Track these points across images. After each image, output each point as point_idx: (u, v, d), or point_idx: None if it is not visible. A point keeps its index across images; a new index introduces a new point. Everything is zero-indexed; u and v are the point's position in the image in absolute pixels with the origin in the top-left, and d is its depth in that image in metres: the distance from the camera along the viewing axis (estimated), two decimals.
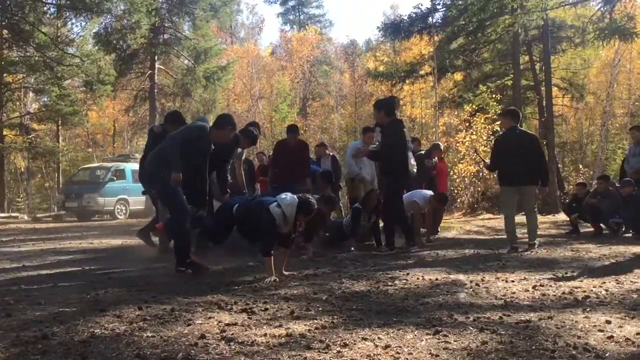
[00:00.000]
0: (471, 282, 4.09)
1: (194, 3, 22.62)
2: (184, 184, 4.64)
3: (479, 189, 14.74)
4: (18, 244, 7.90)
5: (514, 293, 3.67)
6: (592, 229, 8.29)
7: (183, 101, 23.87)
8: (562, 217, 10.64)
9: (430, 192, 7.39)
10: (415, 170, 7.83)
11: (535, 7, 12.02)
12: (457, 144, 15.44)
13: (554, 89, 17.42)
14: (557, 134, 20.14)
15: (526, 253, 5.89)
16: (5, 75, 19.80)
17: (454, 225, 10.20)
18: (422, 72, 18.27)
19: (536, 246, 6.27)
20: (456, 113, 18.10)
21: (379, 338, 2.56)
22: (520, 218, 6.84)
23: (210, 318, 2.98)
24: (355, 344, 2.47)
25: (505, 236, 6.55)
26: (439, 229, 8.72)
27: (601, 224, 8.15)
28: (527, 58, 16.77)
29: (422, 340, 2.53)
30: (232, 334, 2.63)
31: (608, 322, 2.83)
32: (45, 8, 19.21)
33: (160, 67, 23.75)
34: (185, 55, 23.84)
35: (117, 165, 17.86)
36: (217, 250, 5.48)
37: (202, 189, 5.14)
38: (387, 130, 6.23)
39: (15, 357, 2.33)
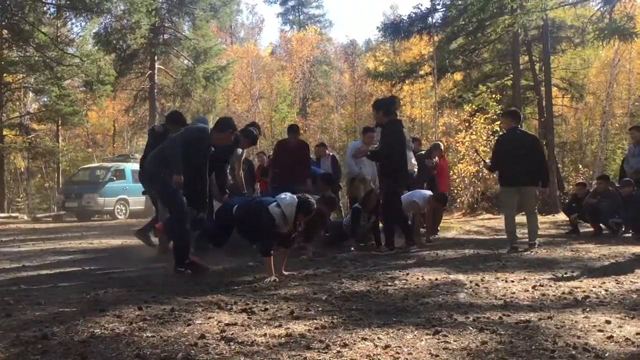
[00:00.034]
0: (471, 282, 4.09)
1: (194, 3, 22.62)
2: (184, 185, 4.65)
3: (479, 189, 14.74)
4: (18, 244, 7.90)
5: (513, 293, 3.67)
6: (591, 229, 8.29)
7: (183, 101, 23.87)
8: (561, 217, 10.64)
9: (429, 192, 7.39)
10: (416, 170, 7.83)
11: (534, 7, 12.03)
12: (457, 144, 15.45)
13: (554, 89, 17.42)
14: (557, 134, 20.14)
15: (526, 253, 5.89)
16: (5, 75, 19.79)
17: (453, 225, 10.20)
18: (421, 72, 18.27)
19: (536, 246, 6.27)
20: (456, 113, 18.11)
21: (378, 338, 2.56)
22: (520, 218, 6.84)
23: (210, 318, 2.98)
24: (355, 344, 2.47)
25: (505, 236, 6.55)
26: (438, 228, 8.72)
27: (601, 224, 8.15)
28: (526, 58, 16.78)
29: (422, 340, 2.54)
30: (232, 334, 2.63)
31: (608, 322, 2.83)
32: (45, 8, 19.21)
33: (160, 67, 23.75)
34: (185, 55, 23.84)
35: (117, 165, 17.85)
36: (216, 251, 5.48)
37: (202, 191, 5.15)
38: (387, 131, 6.23)
39: (15, 357, 2.33)
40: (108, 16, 20.47)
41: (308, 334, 2.65)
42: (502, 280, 4.19)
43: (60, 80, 19.41)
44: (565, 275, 4.39)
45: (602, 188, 8.25)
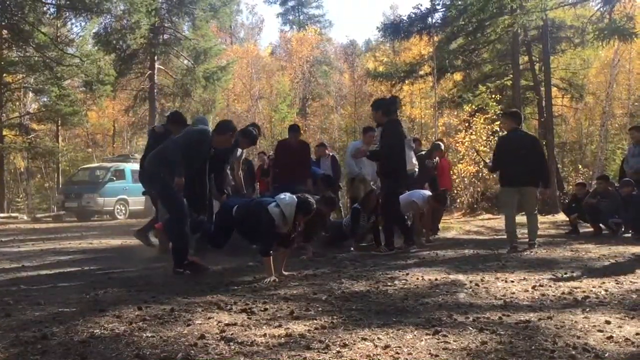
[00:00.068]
0: (471, 282, 4.09)
1: (194, 3, 22.61)
2: (184, 187, 4.66)
3: (479, 189, 14.74)
4: (18, 244, 7.90)
5: (513, 293, 3.67)
6: (591, 229, 8.29)
7: (183, 101, 23.85)
8: (561, 217, 10.64)
9: (428, 192, 7.40)
10: (417, 169, 7.84)
11: (534, 8, 12.03)
12: (457, 144, 15.44)
13: (554, 89, 17.42)
14: (557, 134, 20.14)
15: (526, 253, 5.89)
16: (5, 75, 19.78)
17: (453, 226, 10.19)
18: (421, 73, 18.27)
19: (536, 246, 6.28)
20: (456, 113, 18.10)
21: (378, 338, 2.56)
22: (520, 218, 6.84)
23: (209, 318, 2.98)
24: (354, 344, 2.47)
25: (504, 236, 6.55)
26: (439, 227, 8.72)
27: (601, 224, 8.15)
28: (526, 58, 16.78)
29: (422, 340, 2.54)
30: (231, 334, 2.63)
31: (607, 322, 2.84)
32: (45, 8, 19.19)
33: (160, 67, 23.74)
34: (185, 56, 23.83)
35: (117, 165, 17.85)
36: (216, 251, 5.47)
37: (201, 193, 5.15)
38: (386, 130, 6.23)
39: (14, 357, 2.33)
40: (108, 16, 20.46)
41: (308, 334, 2.65)
42: (502, 280, 4.20)
43: (60, 81, 19.41)
44: (565, 276, 4.39)
45: (601, 188, 8.25)
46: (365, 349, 2.40)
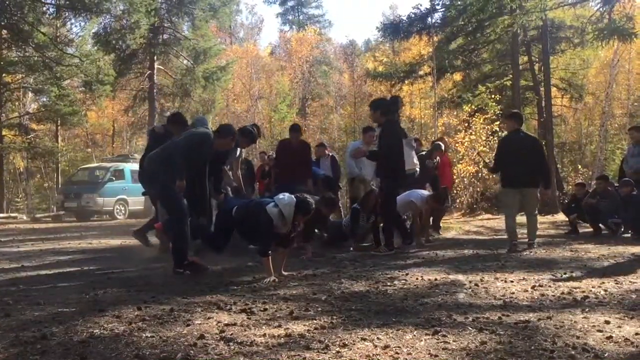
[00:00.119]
0: (470, 282, 4.09)
1: (193, 3, 22.61)
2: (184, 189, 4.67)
3: (478, 189, 14.74)
4: (17, 244, 7.89)
5: (513, 293, 3.67)
6: (591, 229, 8.29)
7: (182, 101, 23.86)
8: (561, 217, 10.64)
9: (426, 192, 7.40)
10: (418, 169, 7.84)
11: (534, 8, 12.03)
12: (457, 144, 15.44)
13: (553, 89, 17.42)
14: (556, 135, 20.14)
15: (525, 253, 5.90)
16: (4, 75, 19.79)
17: (453, 226, 10.19)
18: (421, 73, 18.26)
19: (535, 246, 6.28)
20: (455, 113, 18.09)
21: (378, 338, 2.56)
22: (520, 218, 6.85)
23: (209, 318, 2.98)
24: (354, 344, 2.47)
25: (504, 236, 6.56)
26: (440, 225, 8.72)
27: (600, 224, 8.15)
28: (526, 58, 16.78)
29: (421, 340, 2.54)
30: (231, 334, 2.63)
31: (607, 322, 2.84)
32: (44, 8, 19.18)
33: (160, 67, 23.74)
34: (184, 56, 23.83)
35: (116, 165, 17.85)
36: None
37: (201, 195, 5.15)
38: (385, 131, 6.23)
39: (14, 357, 2.33)
40: (107, 16, 20.45)
41: (307, 334, 2.65)
42: (502, 280, 4.20)
43: (60, 80, 19.42)
44: (564, 276, 4.39)
45: (601, 188, 8.25)
46: (365, 349, 2.40)
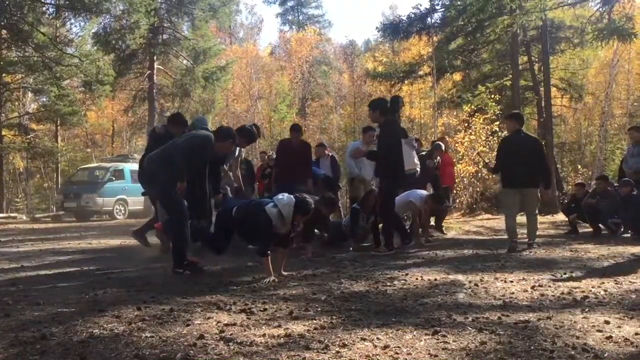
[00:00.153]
0: (470, 282, 4.09)
1: (193, 3, 22.61)
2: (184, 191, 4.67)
3: (478, 189, 14.73)
4: (17, 244, 7.89)
5: (512, 293, 3.67)
6: (590, 229, 8.29)
7: (182, 101, 23.86)
8: (560, 217, 10.64)
9: (425, 192, 7.41)
10: (419, 169, 7.84)
11: (534, 8, 12.03)
12: (456, 144, 15.44)
13: (553, 89, 17.42)
14: (556, 135, 20.15)
15: (525, 253, 5.90)
16: (4, 75, 19.79)
17: (453, 226, 10.19)
18: (421, 73, 18.26)
19: (535, 246, 6.28)
20: (455, 113, 18.09)
21: (377, 338, 2.56)
22: (520, 218, 6.85)
23: (209, 318, 2.98)
24: (354, 344, 2.47)
25: (504, 236, 6.56)
26: (443, 225, 8.72)
27: (600, 224, 8.15)
28: (525, 58, 16.78)
29: (421, 340, 2.54)
30: (231, 334, 2.63)
31: (607, 322, 2.84)
32: (44, 8, 19.19)
33: (159, 67, 23.73)
34: (184, 56, 23.83)
35: (116, 165, 17.84)
36: None
37: (201, 197, 5.15)
38: (384, 131, 6.23)
39: (14, 358, 2.32)
40: (107, 16, 20.46)
41: (307, 334, 2.65)
42: (501, 280, 4.20)
43: (59, 80, 19.41)
44: (564, 276, 4.39)
45: (601, 188, 8.25)
46: (365, 349, 2.39)
